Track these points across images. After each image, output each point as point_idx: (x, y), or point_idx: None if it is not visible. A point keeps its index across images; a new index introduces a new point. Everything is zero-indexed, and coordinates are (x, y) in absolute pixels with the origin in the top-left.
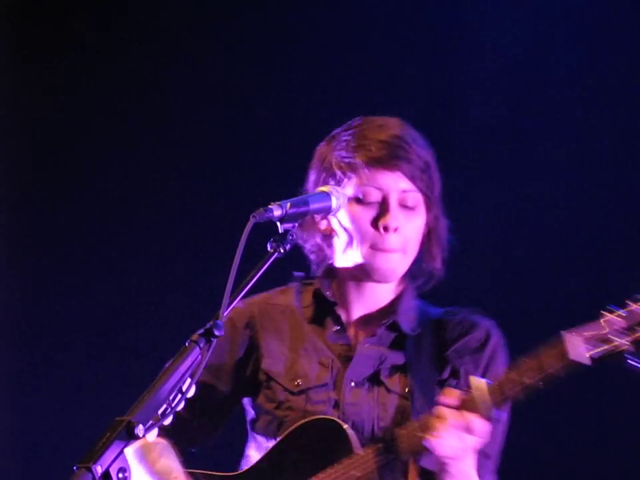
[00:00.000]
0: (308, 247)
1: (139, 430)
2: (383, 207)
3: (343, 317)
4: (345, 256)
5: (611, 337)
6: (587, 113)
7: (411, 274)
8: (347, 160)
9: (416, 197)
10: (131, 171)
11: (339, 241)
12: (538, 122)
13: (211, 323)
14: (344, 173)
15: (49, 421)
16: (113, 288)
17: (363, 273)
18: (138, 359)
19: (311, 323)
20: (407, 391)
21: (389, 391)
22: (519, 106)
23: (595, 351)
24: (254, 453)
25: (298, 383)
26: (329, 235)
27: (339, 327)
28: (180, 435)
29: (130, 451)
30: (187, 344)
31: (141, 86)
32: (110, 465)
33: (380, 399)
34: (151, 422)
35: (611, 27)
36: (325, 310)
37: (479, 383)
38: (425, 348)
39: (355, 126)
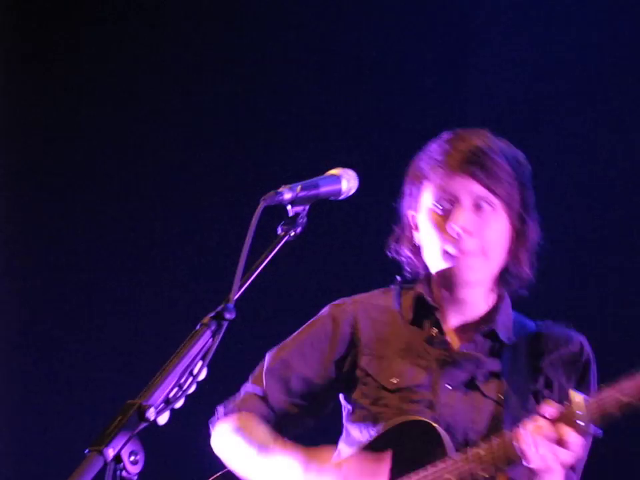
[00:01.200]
0: (401, 258)
1: (150, 413)
2: (455, 211)
3: (442, 322)
4: (430, 263)
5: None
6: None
7: (504, 281)
8: (426, 169)
9: (492, 202)
10: (142, 152)
11: (423, 249)
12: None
13: (222, 306)
14: (422, 182)
15: (59, 405)
16: (124, 272)
17: (446, 279)
18: (149, 343)
19: (411, 324)
20: (501, 397)
21: (484, 396)
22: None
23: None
24: (345, 448)
25: (394, 382)
26: (416, 246)
27: (437, 331)
28: (276, 427)
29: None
30: (198, 327)
31: (147, 67)
32: (121, 448)
33: (475, 404)
34: (162, 405)
35: (623, 22)
36: (424, 314)
37: (577, 398)
38: (520, 358)
39: (444, 138)
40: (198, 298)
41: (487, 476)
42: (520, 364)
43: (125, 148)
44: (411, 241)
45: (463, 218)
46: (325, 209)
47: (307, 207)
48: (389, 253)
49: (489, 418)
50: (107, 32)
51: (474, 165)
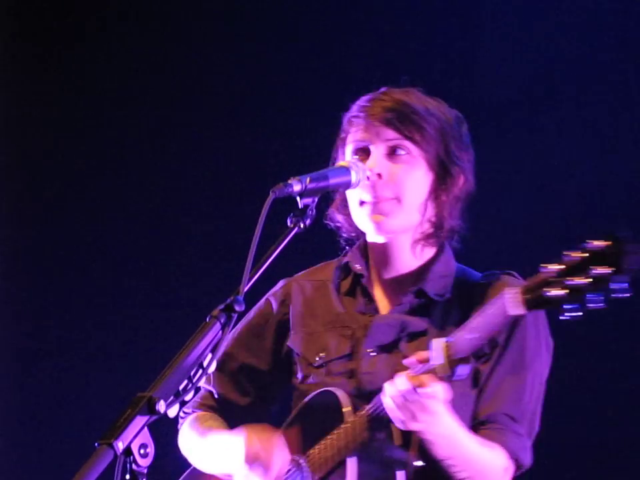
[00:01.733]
0: (336, 224)
1: (160, 406)
2: (369, 158)
3: (373, 288)
4: (355, 220)
5: (546, 287)
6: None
7: (435, 234)
8: (347, 124)
9: (408, 148)
10: (151, 141)
11: (350, 207)
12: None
13: (232, 298)
14: (345, 137)
15: (69, 397)
16: (134, 264)
17: (368, 233)
18: (159, 335)
19: (346, 295)
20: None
21: (405, 357)
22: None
23: (528, 298)
24: None
25: (321, 356)
26: (347, 207)
27: (367, 299)
28: (228, 418)
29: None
30: (207, 319)
31: (153, 58)
32: (131, 441)
33: (396, 366)
34: (172, 398)
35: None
36: (356, 282)
37: (437, 343)
38: (452, 313)
39: (367, 95)
40: (207, 290)
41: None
42: (451, 320)
43: (134, 136)
44: (341, 202)
45: (375, 163)
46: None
47: (316, 199)
48: (326, 222)
49: None
50: (102, 31)
51: (388, 112)
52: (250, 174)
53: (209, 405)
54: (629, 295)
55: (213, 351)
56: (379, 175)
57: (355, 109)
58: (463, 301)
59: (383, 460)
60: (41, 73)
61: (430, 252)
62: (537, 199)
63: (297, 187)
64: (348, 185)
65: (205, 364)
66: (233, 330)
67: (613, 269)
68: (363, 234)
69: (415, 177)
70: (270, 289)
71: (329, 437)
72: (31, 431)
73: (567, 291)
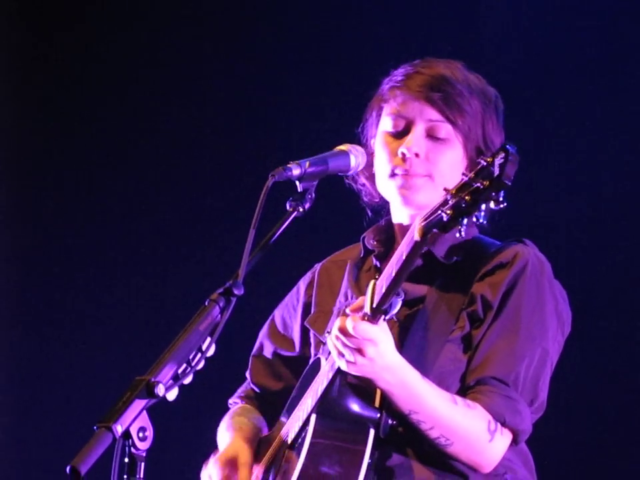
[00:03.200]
0: (358, 187)
1: (159, 389)
2: (409, 136)
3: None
4: (380, 186)
5: (441, 210)
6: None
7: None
8: (386, 92)
9: (447, 129)
10: (149, 126)
11: (376, 173)
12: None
13: (231, 282)
14: (381, 106)
15: (69, 380)
16: (134, 248)
17: (395, 206)
18: (158, 319)
19: (368, 271)
20: (411, 322)
21: (396, 321)
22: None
23: (424, 224)
24: None
25: (328, 332)
26: (372, 173)
27: (378, 274)
28: (263, 404)
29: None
30: (206, 303)
31: (148, 52)
32: (130, 424)
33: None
34: (170, 381)
35: None
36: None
37: (370, 284)
38: (459, 278)
39: (410, 63)
40: (207, 274)
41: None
42: (456, 284)
43: (130, 123)
44: (368, 167)
45: (414, 142)
46: (335, 183)
47: (316, 183)
48: (346, 182)
49: (398, 343)
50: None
51: (433, 90)
52: (250, 157)
53: (247, 395)
54: (503, 204)
55: (212, 334)
56: (417, 155)
57: (397, 77)
58: (472, 265)
59: (350, 417)
60: (41, 71)
61: None
62: (538, 190)
63: (296, 171)
64: (347, 169)
65: (203, 348)
66: (270, 317)
67: (488, 181)
68: (387, 204)
69: (451, 160)
70: (270, 273)
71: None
72: (30, 414)
73: (451, 211)
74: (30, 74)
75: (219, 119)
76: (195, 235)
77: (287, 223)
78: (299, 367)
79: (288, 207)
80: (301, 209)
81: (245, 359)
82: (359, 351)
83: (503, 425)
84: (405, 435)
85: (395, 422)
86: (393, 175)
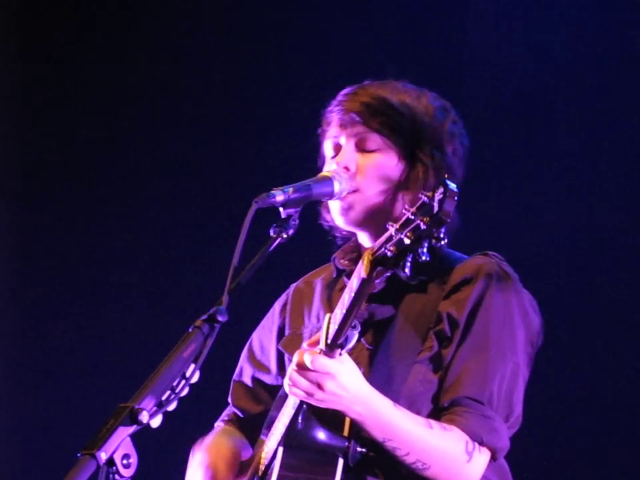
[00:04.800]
0: (325, 222)
1: (143, 416)
2: (340, 154)
3: None
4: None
5: (385, 247)
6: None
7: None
8: (324, 123)
9: (376, 140)
10: (135, 154)
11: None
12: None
13: (214, 309)
14: (323, 136)
15: (50, 408)
16: (116, 276)
17: (343, 226)
18: (141, 345)
19: (340, 291)
20: (377, 345)
21: (366, 347)
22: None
23: (370, 260)
24: None
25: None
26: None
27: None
28: (244, 426)
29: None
30: (190, 330)
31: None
32: (114, 452)
33: (356, 356)
34: (154, 408)
35: None
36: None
37: (326, 318)
38: (425, 296)
39: (348, 88)
40: (190, 300)
41: None
42: (420, 304)
43: (117, 149)
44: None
45: (342, 157)
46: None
47: (299, 209)
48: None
49: (366, 369)
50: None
51: (361, 106)
52: (232, 183)
53: (230, 418)
54: (444, 242)
55: (196, 361)
56: (346, 168)
57: (331, 104)
58: (438, 283)
59: (318, 447)
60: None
61: None
62: (534, 196)
63: (279, 197)
64: (331, 195)
65: (187, 374)
66: (248, 341)
67: (428, 218)
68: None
69: (383, 169)
70: (258, 298)
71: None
72: (12, 443)
73: (394, 248)
74: (26, 73)
75: (204, 141)
76: (178, 261)
77: (270, 249)
78: (277, 390)
79: (272, 233)
80: (284, 235)
81: (229, 383)
82: (318, 386)
83: (481, 444)
84: (375, 461)
85: (364, 449)
86: (331, 198)
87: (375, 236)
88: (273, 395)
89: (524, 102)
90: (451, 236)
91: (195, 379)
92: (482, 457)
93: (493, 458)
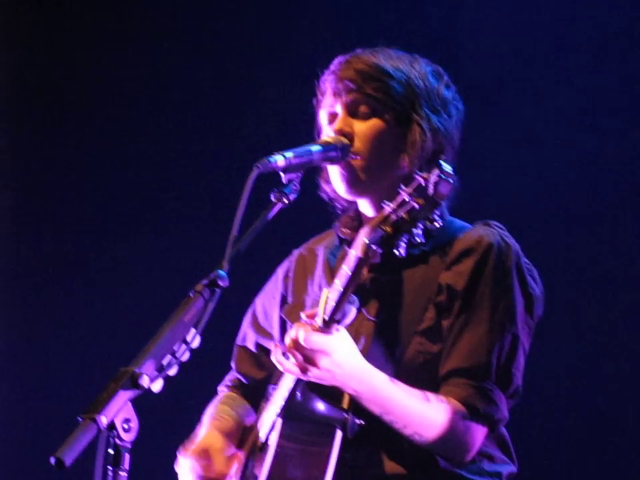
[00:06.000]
0: (324, 194)
1: (144, 380)
2: (336, 120)
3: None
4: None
5: (382, 226)
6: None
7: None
8: (318, 89)
9: (371, 105)
10: (134, 120)
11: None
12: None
13: (215, 273)
14: (318, 100)
15: (51, 372)
16: (117, 239)
17: (341, 195)
18: (142, 310)
19: (342, 260)
20: (379, 315)
21: (366, 318)
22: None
23: (367, 239)
24: None
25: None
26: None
27: None
28: (248, 392)
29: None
30: (191, 294)
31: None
32: (115, 416)
33: (357, 327)
34: (155, 373)
35: None
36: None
37: (323, 293)
38: (427, 268)
39: (341, 57)
40: (191, 265)
41: None
42: (421, 275)
43: (116, 118)
44: (327, 172)
45: (339, 124)
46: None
47: (301, 174)
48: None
49: (367, 340)
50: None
51: (354, 74)
52: (236, 147)
53: (234, 383)
54: (439, 224)
55: (197, 326)
56: (345, 135)
57: (324, 73)
58: (440, 254)
59: (317, 419)
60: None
61: None
62: (525, 172)
63: (280, 162)
64: (332, 160)
65: (188, 339)
66: (251, 306)
67: (423, 200)
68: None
69: (381, 134)
70: (255, 264)
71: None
72: (13, 406)
73: (390, 228)
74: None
75: (201, 110)
76: (179, 226)
77: (271, 214)
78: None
79: (272, 198)
80: (285, 200)
81: (230, 348)
82: (312, 362)
83: (478, 415)
84: (374, 434)
85: (363, 422)
86: (331, 165)
87: (376, 203)
88: (268, 367)
89: (519, 64)
90: (452, 202)
91: (195, 344)
92: (480, 429)
93: (492, 429)
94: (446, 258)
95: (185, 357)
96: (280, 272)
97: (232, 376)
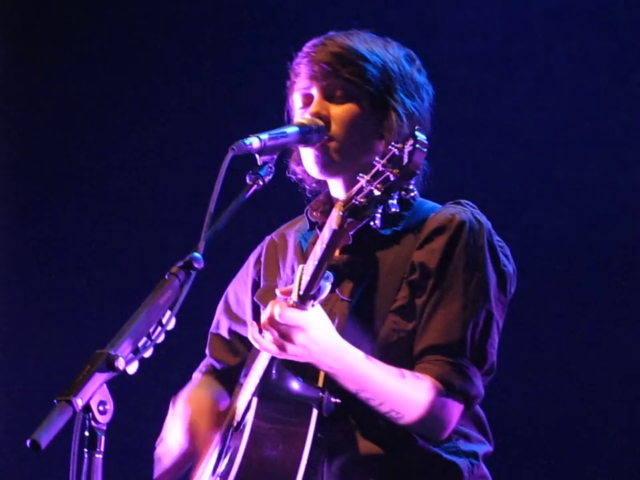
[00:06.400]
0: (294, 176)
1: (119, 363)
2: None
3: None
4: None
5: (356, 198)
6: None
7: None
8: (290, 72)
9: (347, 89)
10: (109, 106)
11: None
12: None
13: (190, 255)
14: (291, 82)
15: (27, 354)
16: (92, 223)
17: (314, 176)
18: (118, 292)
19: (314, 243)
20: (351, 296)
21: (340, 299)
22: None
23: (342, 211)
24: None
25: None
26: (299, 157)
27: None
28: (222, 378)
29: None
30: (166, 276)
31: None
32: (90, 398)
33: (331, 307)
34: (131, 355)
35: None
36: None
37: (298, 270)
38: (400, 247)
39: (314, 39)
40: (167, 247)
41: None
42: (394, 254)
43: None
44: (298, 155)
45: (315, 107)
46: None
47: (276, 156)
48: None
49: (341, 320)
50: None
51: (329, 56)
52: (211, 130)
53: (208, 369)
54: (414, 193)
55: (172, 308)
56: (320, 118)
57: (298, 56)
58: (412, 233)
59: (292, 398)
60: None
61: None
62: (506, 143)
63: (255, 144)
64: (308, 142)
65: (164, 321)
66: (224, 294)
67: (398, 170)
68: (325, 182)
69: (356, 117)
70: (235, 245)
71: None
72: None
73: (365, 200)
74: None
75: (175, 92)
76: (154, 208)
77: (246, 196)
78: (247, 349)
79: (248, 180)
80: (260, 182)
81: (205, 335)
82: (288, 339)
83: (454, 392)
84: (350, 412)
85: (339, 400)
86: (305, 147)
87: (349, 186)
88: (249, 347)
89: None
90: (423, 185)
91: (171, 326)
92: (455, 406)
93: (467, 406)
94: (418, 237)
95: (160, 338)
96: (252, 258)
97: (206, 362)
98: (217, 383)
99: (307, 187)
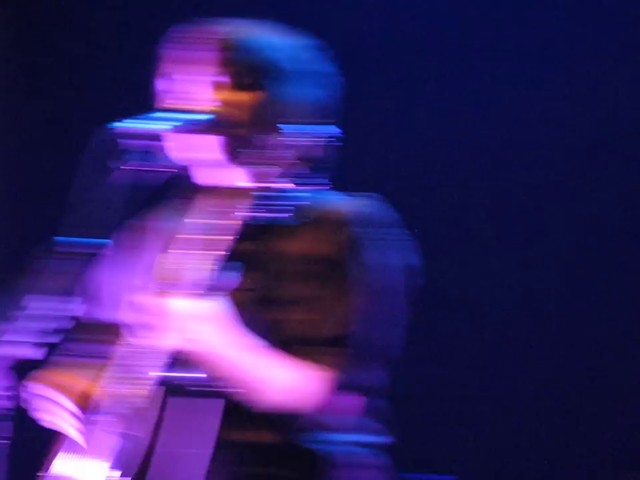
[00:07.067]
0: None
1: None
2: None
3: None
4: None
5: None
6: None
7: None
8: (158, 55)
9: (223, 76)
10: None
11: None
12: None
13: (52, 240)
14: (157, 68)
15: None
16: None
17: (188, 163)
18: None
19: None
20: (251, 286)
21: (239, 289)
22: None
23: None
24: None
25: None
26: None
27: None
28: None
29: None
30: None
31: None
32: None
33: (229, 299)
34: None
35: None
36: None
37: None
38: (303, 239)
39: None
40: (32, 236)
41: None
42: (295, 245)
43: None
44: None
45: (188, 92)
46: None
47: (144, 142)
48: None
49: (241, 310)
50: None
51: (202, 41)
52: (75, 117)
53: None
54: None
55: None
56: (192, 103)
57: (177, 40)
58: (316, 226)
59: (190, 390)
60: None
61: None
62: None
63: (121, 129)
64: (175, 129)
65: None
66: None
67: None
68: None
69: (233, 104)
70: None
71: None
72: None
73: (248, 194)
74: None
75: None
76: (21, 195)
77: (111, 182)
78: None
79: (111, 166)
80: (125, 169)
81: None
82: (181, 330)
83: (348, 384)
84: (245, 404)
85: (236, 391)
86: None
87: (225, 172)
88: None
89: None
90: (328, 177)
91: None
92: (352, 397)
93: (363, 397)
94: (320, 229)
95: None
96: (114, 246)
97: None
98: None
99: (171, 172)
